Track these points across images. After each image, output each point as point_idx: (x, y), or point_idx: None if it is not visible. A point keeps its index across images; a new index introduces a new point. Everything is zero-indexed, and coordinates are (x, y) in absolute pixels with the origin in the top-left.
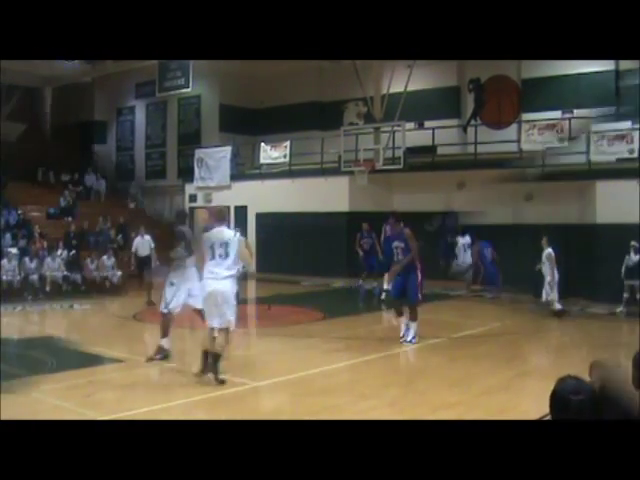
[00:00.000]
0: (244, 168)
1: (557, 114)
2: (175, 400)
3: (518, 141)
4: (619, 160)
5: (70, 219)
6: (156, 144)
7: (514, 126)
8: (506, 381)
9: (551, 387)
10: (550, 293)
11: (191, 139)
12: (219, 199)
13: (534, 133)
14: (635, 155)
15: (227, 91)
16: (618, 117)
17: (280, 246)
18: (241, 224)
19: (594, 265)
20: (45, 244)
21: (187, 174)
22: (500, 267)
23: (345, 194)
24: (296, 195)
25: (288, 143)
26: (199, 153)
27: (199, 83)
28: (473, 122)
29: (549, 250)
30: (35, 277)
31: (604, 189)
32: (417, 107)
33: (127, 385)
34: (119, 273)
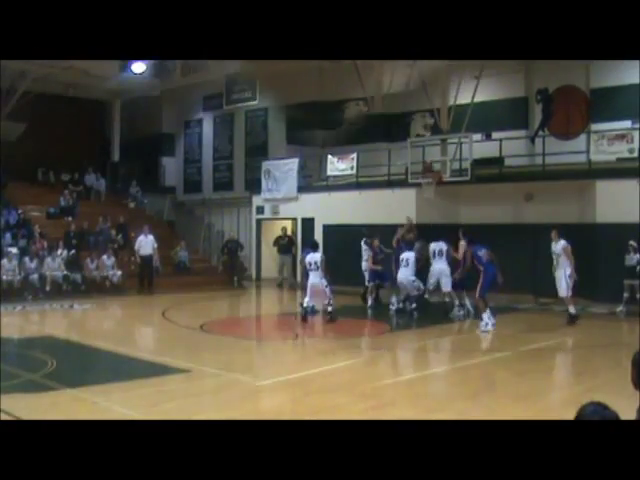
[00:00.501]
0: (311, 180)
1: (627, 124)
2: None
3: (587, 152)
4: (619, 160)
5: (70, 219)
6: (223, 156)
7: (583, 137)
8: (574, 396)
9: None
10: (568, 290)
11: (258, 151)
12: (286, 211)
13: (603, 144)
14: (635, 155)
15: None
16: None
17: (347, 258)
18: (308, 236)
19: (594, 264)
20: (45, 244)
21: (254, 186)
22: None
23: (412, 206)
24: (363, 207)
25: (355, 155)
26: (266, 165)
27: (265, 96)
28: (541, 133)
29: (563, 242)
30: (35, 277)
31: (604, 189)
32: (484, 118)
33: (193, 395)
34: (119, 273)
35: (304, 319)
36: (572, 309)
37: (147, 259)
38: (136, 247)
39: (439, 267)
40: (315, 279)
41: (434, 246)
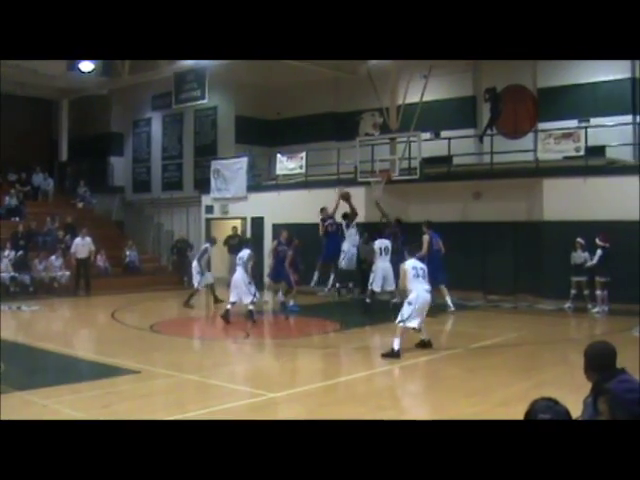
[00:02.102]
0: (260, 179)
1: (574, 123)
2: (191, 411)
3: (534, 150)
4: (566, 158)
5: (17, 219)
6: (172, 156)
7: (530, 135)
8: (524, 392)
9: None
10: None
11: (207, 151)
12: (236, 210)
13: (550, 142)
14: (582, 153)
15: (243, 102)
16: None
17: (296, 256)
18: (258, 235)
19: (541, 262)
20: None
21: (203, 185)
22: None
23: (361, 204)
24: (313, 206)
25: (304, 154)
26: (215, 164)
27: (215, 95)
28: (489, 132)
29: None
30: None
31: (551, 187)
32: (433, 117)
33: (143, 396)
34: (67, 273)
35: (225, 319)
36: (424, 335)
37: (84, 262)
38: (72, 250)
39: (384, 265)
40: (237, 274)
41: (379, 244)
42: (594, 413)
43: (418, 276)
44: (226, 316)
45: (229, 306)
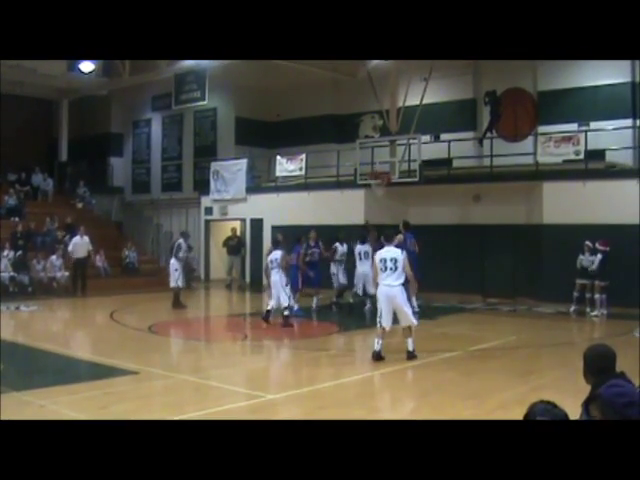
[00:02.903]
0: (260, 181)
1: (573, 127)
2: (189, 412)
3: (534, 154)
4: (566, 161)
5: (17, 219)
6: (172, 157)
7: (530, 139)
8: (522, 395)
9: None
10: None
11: (207, 152)
12: (235, 212)
13: (550, 146)
14: (581, 157)
15: (243, 104)
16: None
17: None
18: (257, 237)
19: (541, 265)
20: None
21: (203, 187)
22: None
23: (361, 207)
24: (312, 208)
25: (304, 156)
26: (215, 166)
27: (215, 96)
28: (489, 135)
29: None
30: None
31: (551, 190)
32: (433, 120)
33: (141, 397)
34: (67, 274)
35: (266, 320)
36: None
37: (81, 261)
38: (70, 249)
39: (364, 270)
40: (275, 277)
41: (359, 248)
42: (588, 419)
43: (385, 269)
44: (267, 318)
45: (270, 308)
